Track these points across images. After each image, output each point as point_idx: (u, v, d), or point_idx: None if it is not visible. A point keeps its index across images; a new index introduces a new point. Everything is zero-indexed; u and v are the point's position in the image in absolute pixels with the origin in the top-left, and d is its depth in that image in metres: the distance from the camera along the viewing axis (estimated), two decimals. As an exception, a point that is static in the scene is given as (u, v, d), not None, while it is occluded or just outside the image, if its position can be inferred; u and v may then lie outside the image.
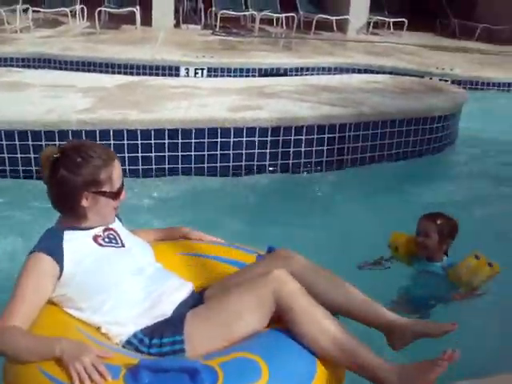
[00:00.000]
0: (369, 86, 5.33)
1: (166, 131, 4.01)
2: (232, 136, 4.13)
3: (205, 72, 7.65)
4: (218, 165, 4.20)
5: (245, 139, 4.16)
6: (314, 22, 11.29)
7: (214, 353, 1.81)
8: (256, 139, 4.18)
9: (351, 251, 3.23)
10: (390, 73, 7.79)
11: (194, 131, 4.05)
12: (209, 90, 4.81)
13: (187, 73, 7.60)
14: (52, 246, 1.95)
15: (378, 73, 7.78)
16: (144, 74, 7.47)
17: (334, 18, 11.67)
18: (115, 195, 2.02)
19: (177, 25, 11.14)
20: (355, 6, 11.81)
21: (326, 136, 4.33)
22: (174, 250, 2.34)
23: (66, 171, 1.94)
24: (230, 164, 4.21)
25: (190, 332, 1.91)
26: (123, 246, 2.11)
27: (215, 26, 10.81)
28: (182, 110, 4.18)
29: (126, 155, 4.00)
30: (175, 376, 1.64)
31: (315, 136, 4.31)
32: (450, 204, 4.13)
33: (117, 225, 2.16)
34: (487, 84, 8.20)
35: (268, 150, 4.25)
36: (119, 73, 7.28)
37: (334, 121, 4.30)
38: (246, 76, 7.59)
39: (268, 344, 1.82)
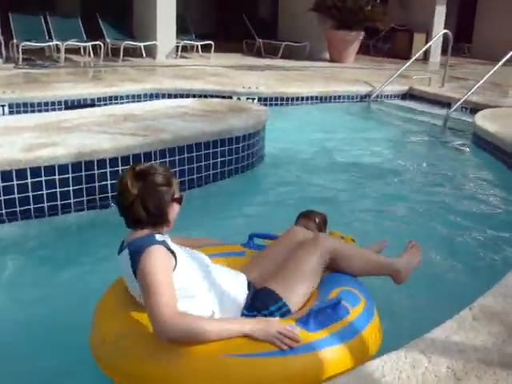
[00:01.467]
0: (173, 112, 5.32)
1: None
2: (29, 177, 3.87)
3: (6, 109, 7.17)
4: (18, 209, 3.91)
5: (44, 179, 3.93)
6: (122, 49, 11.19)
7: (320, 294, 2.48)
8: (56, 177, 3.96)
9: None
10: (200, 96, 7.91)
11: (-16, 176, 3.73)
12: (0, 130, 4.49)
13: (-15, 111, 7.09)
14: (161, 241, 2.21)
15: (187, 96, 7.87)
16: None
17: (142, 43, 11.68)
18: (181, 200, 2.40)
19: (-25, 59, 10.42)
20: (162, 31, 11.90)
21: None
22: None
23: (154, 185, 2.27)
24: (31, 207, 3.94)
25: (286, 295, 2.39)
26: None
27: (18, 58, 10.26)
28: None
29: None
30: (327, 312, 2.26)
31: (120, 168, 4.19)
32: (266, 216, 4.35)
33: None
34: (291, 99, 8.63)
35: (71, 188, 4.05)
36: None
37: (137, 150, 4.22)
38: (52, 110, 7.24)
39: (346, 279, 2.57)
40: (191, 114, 5.23)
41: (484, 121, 6.78)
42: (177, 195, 2.36)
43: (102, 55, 11.15)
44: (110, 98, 7.81)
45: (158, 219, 2.29)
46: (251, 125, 5.11)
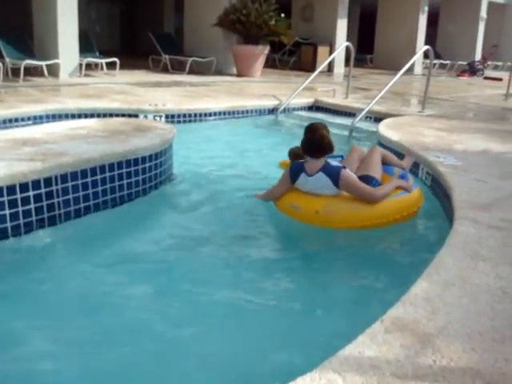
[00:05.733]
0: (74, 133, 5.10)
1: None
2: None
3: None
4: None
5: None
6: (22, 69, 10.77)
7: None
8: None
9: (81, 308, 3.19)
10: (105, 115, 7.70)
11: None
12: None
13: None
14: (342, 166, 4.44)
15: (92, 116, 7.63)
16: None
17: (44, 62, 11.30)
18: None
19: None
20: (64, 49, 11.57)
21: (30, 193, 4.01)
22: None
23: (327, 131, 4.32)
24: None
25: (376, 176, 4.58)
26: None
27: None
28: None
29: None
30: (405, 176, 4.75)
31: (19, 196, 3.95)
32: (177, 232, 4.28)
33: None
34: (199, 115, 8.56)
35: (-35, 220, 3.78)
36: None
37: (36, 176, 3.99)
38: None
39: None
40: (94, 136, 5.03)
41: (387, 129, 6.98)
42: None
43: (1, 76, 10.67)
44: (11, 120, 7.45)
45: (329, 152, 4.27)
46: (157, 144, 4.98)
